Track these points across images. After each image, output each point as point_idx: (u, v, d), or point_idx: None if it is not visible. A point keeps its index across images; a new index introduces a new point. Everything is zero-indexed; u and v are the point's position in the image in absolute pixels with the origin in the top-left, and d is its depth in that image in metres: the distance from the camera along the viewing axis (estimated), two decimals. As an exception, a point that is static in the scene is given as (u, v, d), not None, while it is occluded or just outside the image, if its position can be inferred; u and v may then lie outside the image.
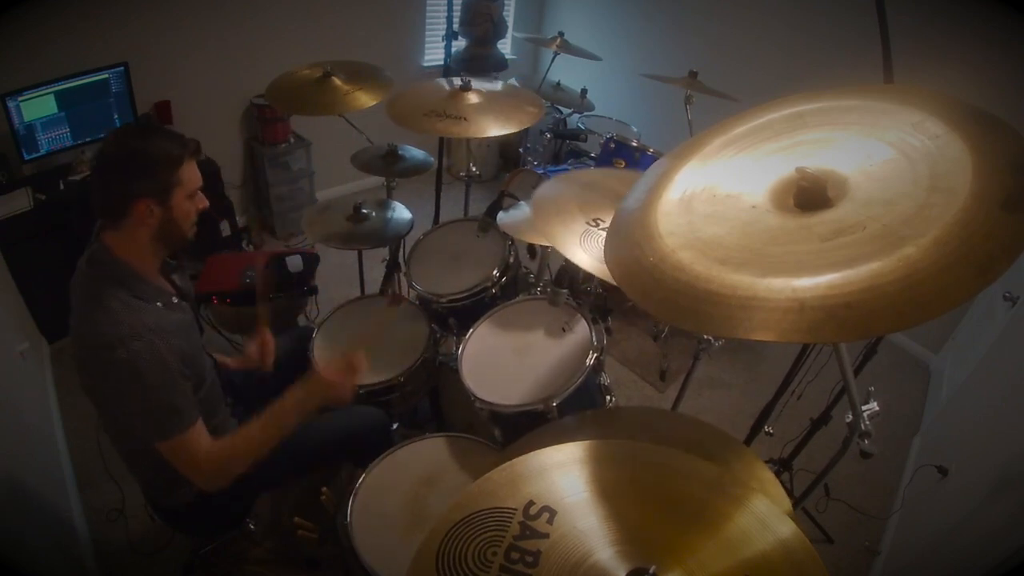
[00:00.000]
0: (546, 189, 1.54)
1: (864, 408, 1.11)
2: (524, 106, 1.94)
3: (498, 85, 2.08)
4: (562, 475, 0.81)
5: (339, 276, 3.10)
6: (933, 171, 0.69)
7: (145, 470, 1.33)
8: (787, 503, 1.08)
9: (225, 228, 3.08)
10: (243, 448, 1.22)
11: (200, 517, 1.43)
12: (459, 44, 3.77)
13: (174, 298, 1.27)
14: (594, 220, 1.38)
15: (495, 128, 1.84)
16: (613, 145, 2.71)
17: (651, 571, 0.67)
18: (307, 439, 1.49)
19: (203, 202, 1.23)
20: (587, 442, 0.85)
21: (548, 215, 1.41)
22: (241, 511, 1.52)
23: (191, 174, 1.17)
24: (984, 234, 0.60)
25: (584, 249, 1.31)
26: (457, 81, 1.96)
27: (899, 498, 2.22)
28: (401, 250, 2.13)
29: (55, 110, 2.47)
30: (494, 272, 1.81)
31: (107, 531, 1.89)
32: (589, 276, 2.17)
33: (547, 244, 1.84)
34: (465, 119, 1.83)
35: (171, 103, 2.89)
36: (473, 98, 1.93)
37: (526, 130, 1.86)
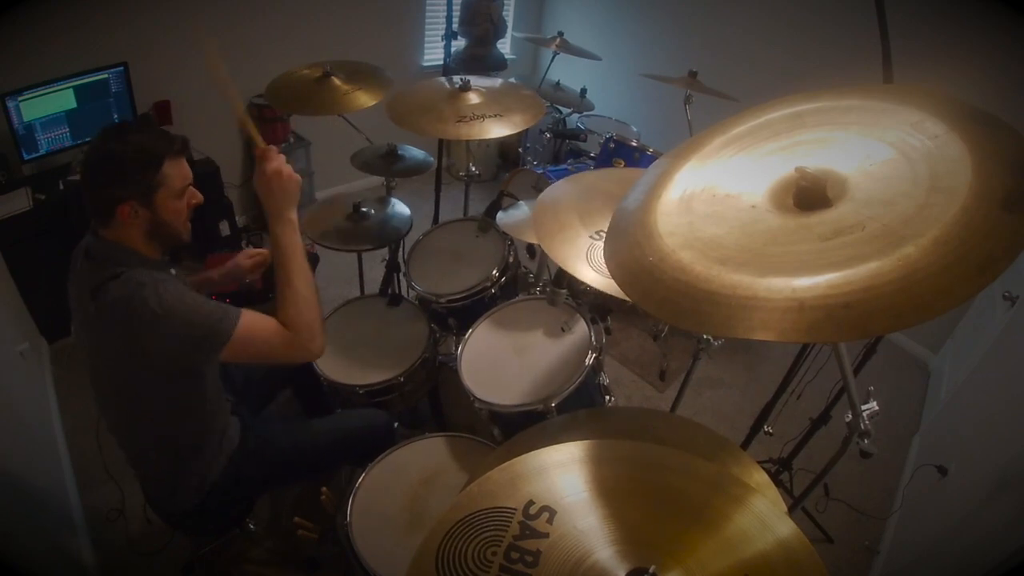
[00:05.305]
0: (545, 202, 1.49)
1: (864, 408, 1.11)
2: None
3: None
4: (562, 475, 0.81)
5: (339, 276, 3.10)
6: (933, 171, 0.68)
7: (154, 469, 1.33)
8: (782, 506, 1.07)
9: (224, 228, 3.08)
10: (300, 292, 1.17)
11: (201, 517, 1.42)
12: (459, 44, 3.76)
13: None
14: (597, 233, 1.35)
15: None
16: (613, 145, 2.71)
17: (651, 571, 0.67)
18: (312, 440, 1.50)
19: (196, 198, 1.19)
20: (587, 442, 0.85)
21: (551, 232, 1.38)
22: (242, 511, 1.52)
23: (176, 172, 1.12)
24: (984, 234, 0.60)
25: (591, 265, 1.28)
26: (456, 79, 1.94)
27: (899, 498, 2.22)
28: (401, 250, 2.13)
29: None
30: (493, 272, 1.81)
31: (107, 531, 1.89)
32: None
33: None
34: (500, 115, 1.82)
35: (171, 103, 2.89)
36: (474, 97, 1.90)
37: (526, 130, 1.85)
